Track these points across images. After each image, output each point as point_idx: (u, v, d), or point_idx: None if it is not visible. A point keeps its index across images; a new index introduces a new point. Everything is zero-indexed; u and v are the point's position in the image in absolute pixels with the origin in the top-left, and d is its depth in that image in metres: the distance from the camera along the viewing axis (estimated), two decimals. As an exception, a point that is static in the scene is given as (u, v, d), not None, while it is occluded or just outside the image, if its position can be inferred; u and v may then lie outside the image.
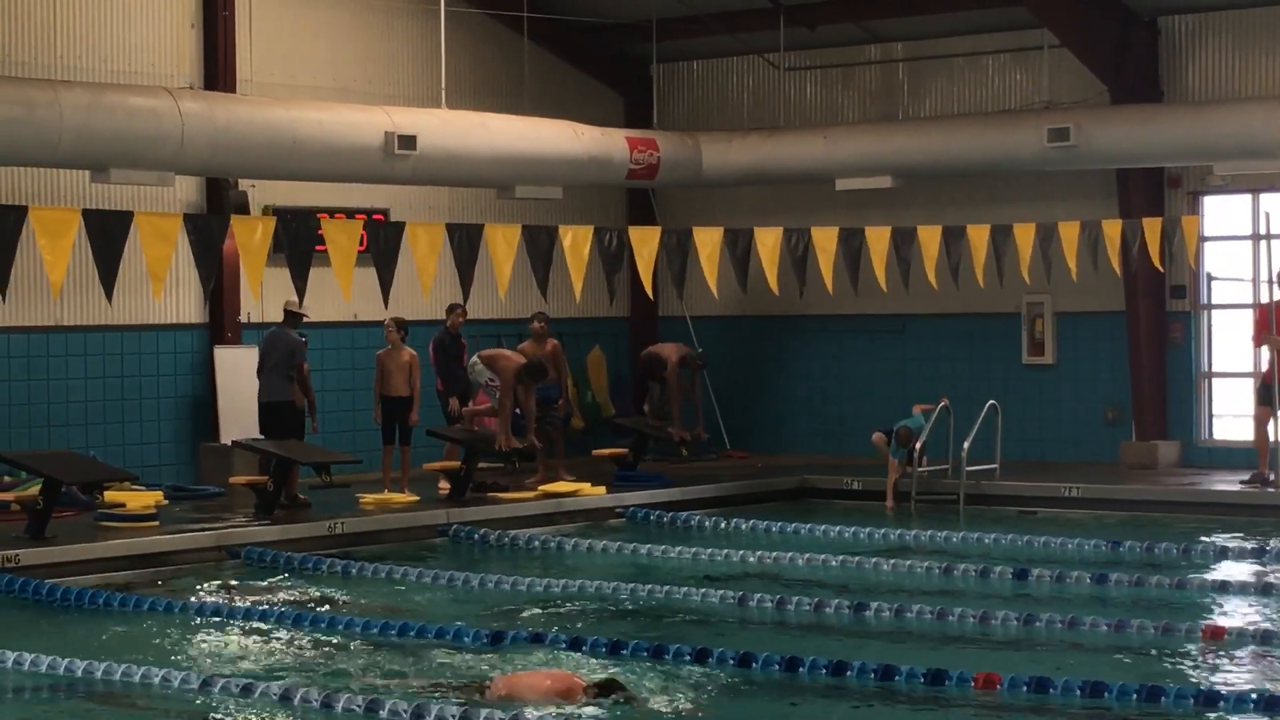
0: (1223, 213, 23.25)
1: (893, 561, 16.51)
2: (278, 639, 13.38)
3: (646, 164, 22.98)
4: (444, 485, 20.06)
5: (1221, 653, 12.56)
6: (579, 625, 13.64)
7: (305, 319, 19.61)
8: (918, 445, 21.29)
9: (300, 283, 16.13)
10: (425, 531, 18.65)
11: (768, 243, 19.07)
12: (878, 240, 19.53)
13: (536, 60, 24.23)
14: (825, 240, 19.35)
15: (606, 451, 22.36)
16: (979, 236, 19.90)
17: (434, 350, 21.18)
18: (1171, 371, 23.20)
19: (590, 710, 10.71)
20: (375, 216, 21.64)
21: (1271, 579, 15.47)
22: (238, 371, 20.73)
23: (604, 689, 10.99)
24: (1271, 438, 20.60)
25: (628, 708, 10.77)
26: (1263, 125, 20.90)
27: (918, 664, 11.59)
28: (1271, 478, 20.38)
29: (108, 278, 15.33)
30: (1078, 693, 10.94)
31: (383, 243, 16.73)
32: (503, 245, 17.19)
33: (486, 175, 21.51)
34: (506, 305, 21.92)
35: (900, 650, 12.59)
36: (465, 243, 17.15)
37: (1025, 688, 11.07)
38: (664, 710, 10.81)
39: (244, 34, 21.80)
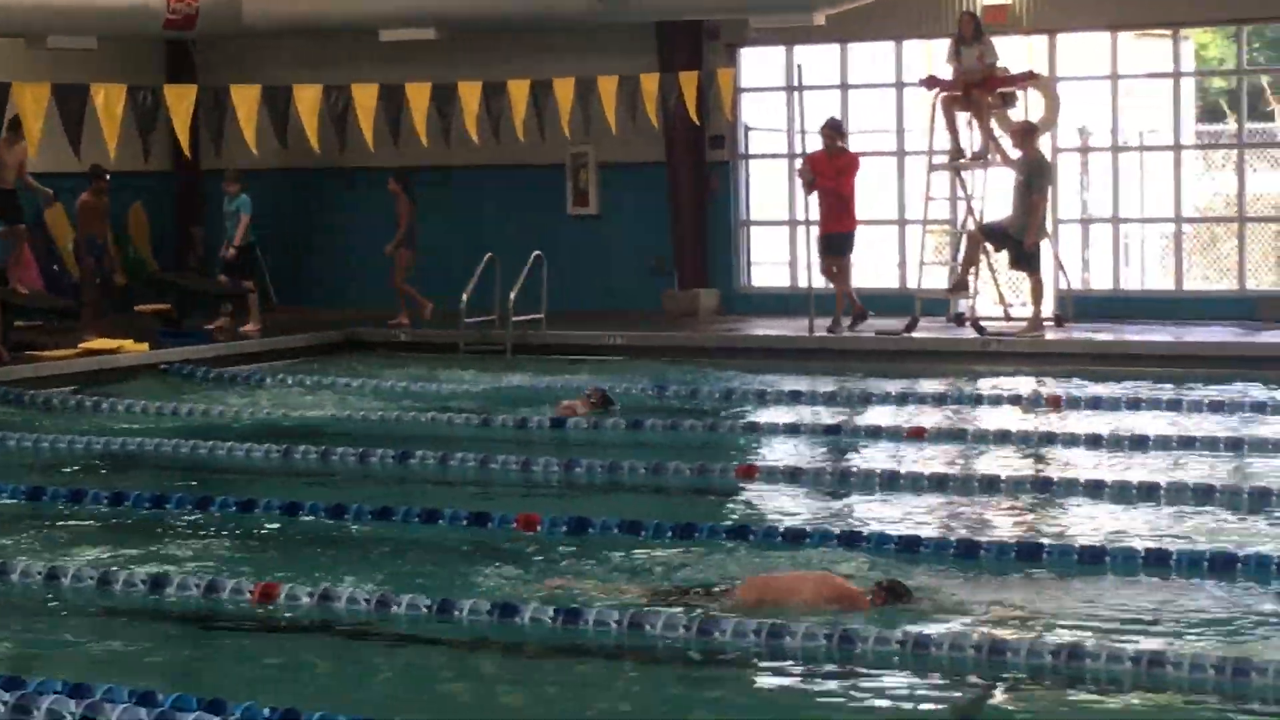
0: (759, 65, 23.82)
1: (431, 414, 16.58)
2: None
3: (184, 14, 22.42)
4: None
5: (754, 490, 13.02)
6: (122, 482, 13.43)
7: None
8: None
9: None
10: (-42, 394, 18.12)
11: (306, 99, 18.84)
12: (418, 96, 19.46)
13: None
14: (365, 98, 19.21)
15: (150, 308, 21.98)
16: (519, 91, 19.99)
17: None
18: (711, 221, 23.77)
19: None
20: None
21: (801, 420, 16.03)
22: None
23: (892, 593, 9.32)
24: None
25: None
26: (797, -21, 21.38)
27: (461, 508, 11.79)
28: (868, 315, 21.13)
29: None
30: (615, 530, 11.22)
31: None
32: (31, 105, 16.57)
33: (14, 23, 20.72)
34: (37, 161, 21.24)
35: (445, 495, 12.75)
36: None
37: (564, 528, 11.31)
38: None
39: None
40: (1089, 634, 8.76)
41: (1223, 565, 9.94)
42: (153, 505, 12.37)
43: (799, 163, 21.41)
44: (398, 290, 22.69)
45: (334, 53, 24.38)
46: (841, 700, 8.20)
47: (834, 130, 20.97)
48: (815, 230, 21.13)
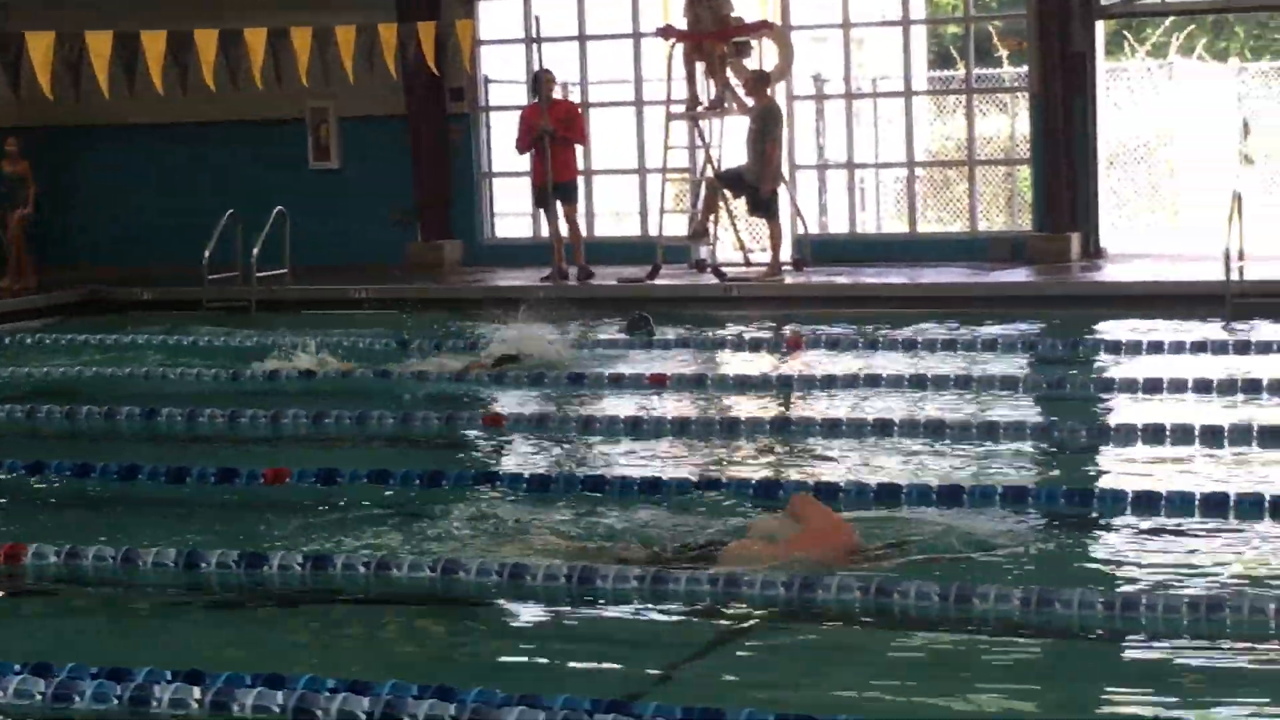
0: (497, 17, 23.95)
1: (180, 369, 16.54)
2: None
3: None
4: None
5: (501, 437, 13.22)
6: None
7: None
8: None
9: None
10: None
11: (40, 48, 18.55)
12: (154, 44, 19.25)
13: None
14: (100, 45, 18.96)
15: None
16: (256, 40, 19.86)
17: None
18: (454, 173, 23.87)
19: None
20: None
21: (546, 369, 16.25)
22: None
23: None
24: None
25: None
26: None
27: (210, 464, 11.82)
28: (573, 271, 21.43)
29: None
30: (365, 480, 11.35)
31: None
32: None
33: None
34: None
35: (193, 452, 12.77)
36: None
37: (314, 479, 11.41)
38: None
39: None
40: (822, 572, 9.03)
41: (949, 496, 10.33)
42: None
43: (547, 120, 21.46)
44: (16, 251, 22.62)
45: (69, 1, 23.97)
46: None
47: (541, 81, 21.27)
48: (544, 182, 21.38)
